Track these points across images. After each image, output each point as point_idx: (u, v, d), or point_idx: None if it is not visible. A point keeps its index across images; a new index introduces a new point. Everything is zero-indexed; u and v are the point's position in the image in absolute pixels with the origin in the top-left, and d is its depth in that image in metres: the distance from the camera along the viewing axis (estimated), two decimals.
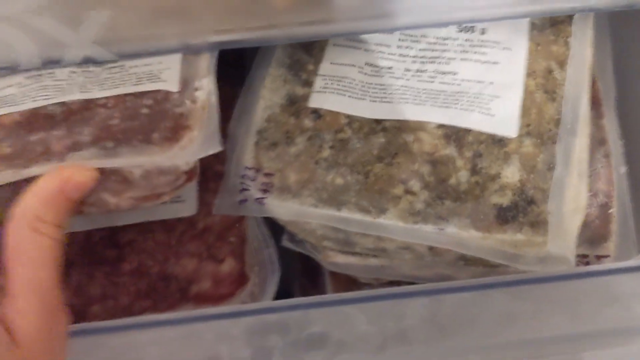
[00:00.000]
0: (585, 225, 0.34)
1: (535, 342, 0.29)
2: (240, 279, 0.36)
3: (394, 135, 0.34)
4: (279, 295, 0.37)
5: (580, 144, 0.33)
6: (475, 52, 0.36)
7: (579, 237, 0.34)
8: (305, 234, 0.35)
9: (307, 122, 0.35)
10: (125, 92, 0.32)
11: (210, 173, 0.37)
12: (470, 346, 0.28)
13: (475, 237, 0.31)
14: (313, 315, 0.29)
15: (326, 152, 0.34)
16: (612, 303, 0.30)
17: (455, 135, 0.33)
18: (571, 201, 0.31)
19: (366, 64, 0.37)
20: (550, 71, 0.35)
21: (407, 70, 0.36)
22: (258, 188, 0.34)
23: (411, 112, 0.34)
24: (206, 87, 0.33)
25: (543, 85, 0.35)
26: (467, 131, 0.33)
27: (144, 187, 0.31)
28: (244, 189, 0.34)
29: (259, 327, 0.29)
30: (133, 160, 0.29)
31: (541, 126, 0.33)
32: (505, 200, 0.31)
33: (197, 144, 0.30)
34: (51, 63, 0.32)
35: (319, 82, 0.36)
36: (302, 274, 0.45)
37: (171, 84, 0.32)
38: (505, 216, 0.31)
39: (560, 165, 0.32)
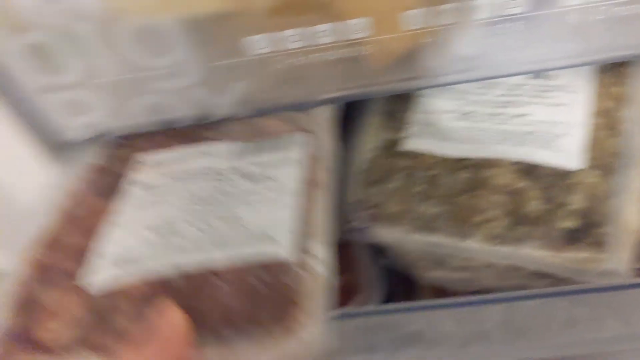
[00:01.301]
0: None
1: (593, 341, 0.34)
2: (354, 292, 0.41)
3: (476, 171, 0.40)
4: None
5: (637, 173, 0.38)
6: (545, 96, 0.42)
7: (637, 252, 0.39)
8: (403, 254, 0.42)
9: (403, 162, 0.42)
10: (242, 255, 0.31)
11: None
12: (538, 345, 0.34)
13: (546, 256, 0.36)
14: (410, 318, 0.35)
15: (420, 187, 0.40)
16: None
17: (528, 169, 0.39)
18: (626, 224, 0.36)
19: (451, 110, 0.43)
20: (611, 110, 0.40)
21: (486, 114, 0.42)
22: (365, 218, 0.40)
23: (490, 151, 0.40)
24: (321, 255, 0.31)
25: (605, 123, 0.40)
26: (539, 166, 0.39)
27: None
28: (354, 219, 0.41)
29: (368, 326, 0.35)
30: (247, 351, 0.28)
31: (603, 159, 0.38)
32: (571, 224, 0.37)
33: (310, 335, 0.28)
34: (201, 118, 0.41)
35: (411, 128, 0.43)
36: (397, 284, 0.52)
37: (285, 248, 0.31)
38: (572, 238, 0.37)
39: (618, 193, 0.37)
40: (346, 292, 0.41)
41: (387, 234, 0.40)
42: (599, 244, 0.36)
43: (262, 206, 0.34)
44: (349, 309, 0.41)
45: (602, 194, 0.37)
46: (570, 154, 0.39)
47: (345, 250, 0.43)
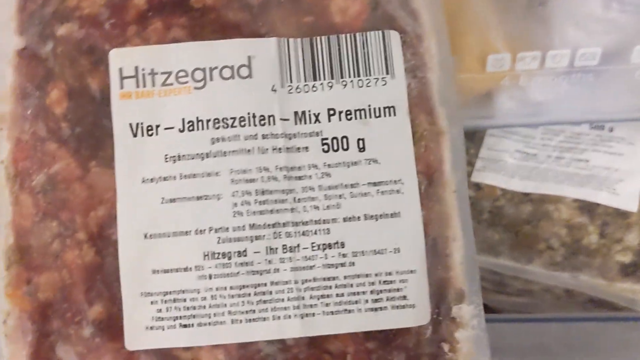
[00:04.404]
0: None
1: None
2: None
3: (538, 205, 0.44)
4: None
5: None
6: (604, 145, 0.45)
7: None
8: None
9: (471, 192, 0.46)
10: (363, 323, 0.21)
11: None
12: None
13: (602, 284, 0.40)
14: None
15: (485, 215, 0.44)
16: None
17: (587, 207, 0.43)
18: None
19: (516, 150, 0.47)
20: None
21: (549, 156, 0.46)
22: None
23: (552, 189, 0.44)
24: (468, 319, 0.22)
25: None
26: (597, 205, 0.42)
27: None
28: None
29: None
30: None
31: None
32: (626, 258, 0.41)
33: None
34: None
35: (479, 163, 0.47)
36: None
37: (422, 312, 0.21)
38: (627, 270, 0.40)
39: None
40: None
41: None
42: None
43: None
44: None
45: None
46: (626, 197, 0.43)
47: None
